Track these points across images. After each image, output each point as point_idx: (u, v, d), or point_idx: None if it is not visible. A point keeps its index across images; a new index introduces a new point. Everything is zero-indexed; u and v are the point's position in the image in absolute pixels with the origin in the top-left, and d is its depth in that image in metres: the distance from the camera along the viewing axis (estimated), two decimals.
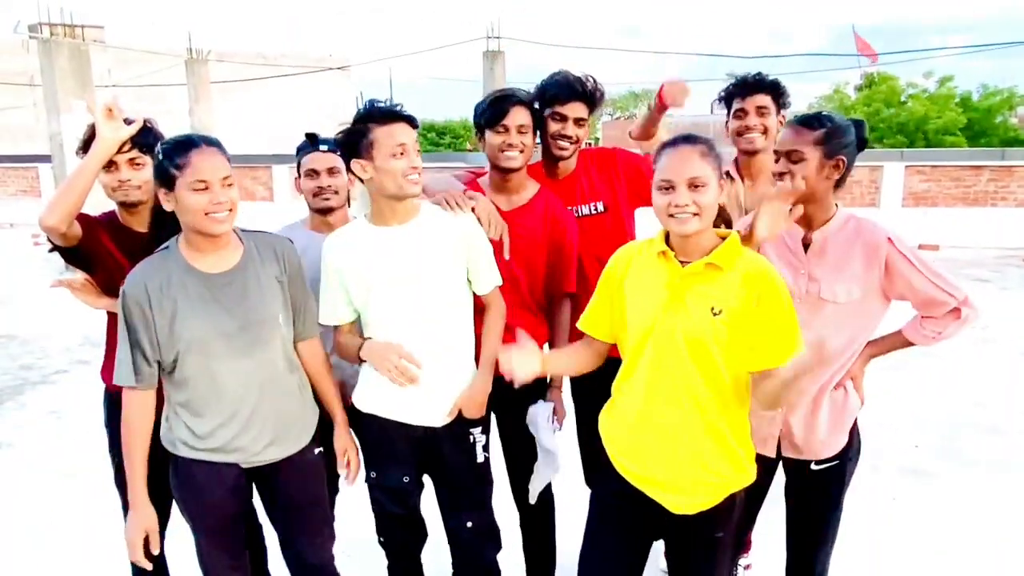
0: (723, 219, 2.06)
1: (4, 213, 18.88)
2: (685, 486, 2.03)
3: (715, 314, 1.92)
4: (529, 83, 2.87)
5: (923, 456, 4.46)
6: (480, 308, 2.51)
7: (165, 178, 2.05)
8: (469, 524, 2.53)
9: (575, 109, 2.67)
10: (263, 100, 29.88)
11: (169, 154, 2.04)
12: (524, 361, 2.12)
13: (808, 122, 2.21)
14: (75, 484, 4.25)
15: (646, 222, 2.88)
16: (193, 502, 2.25)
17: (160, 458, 2.26)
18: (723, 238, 2.00)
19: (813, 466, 2.36)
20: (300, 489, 2.37)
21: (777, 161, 2.25)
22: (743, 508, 2.12)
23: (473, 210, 2.47)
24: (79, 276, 2.54)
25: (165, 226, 2.21)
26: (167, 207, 2.10)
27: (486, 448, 2.52)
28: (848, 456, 2.38)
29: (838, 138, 2.20)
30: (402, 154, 2.23)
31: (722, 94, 3.01)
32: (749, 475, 2.07)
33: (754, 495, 2.45)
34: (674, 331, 1.95)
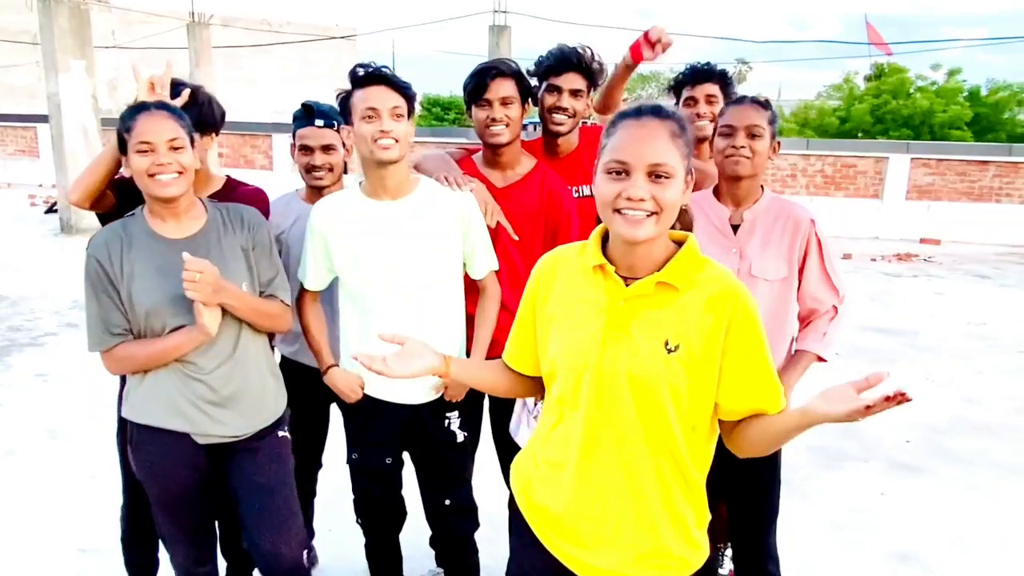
0: (684, 224, 1.68)
1: (3, 173, 18.78)
2: (629, 568, 1.59)
3: (670, 350, 1.49)
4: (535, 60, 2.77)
5: (914, 452, 4.43)
6: (474, 291, 2.46)
7: (120, 144, 2.05)
8: (447, 502, 2.51)
9: (570, 80, 2.58)
10: (266, 67, 29.64)
11: (123, 119, 2.04)
12: (411, 359, 1.74)
13: (761, 102, 2.29)
14: (58, 445, 4.24)
15: None
16: (147, 472, 2.20)
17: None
18: (679, 244, 1.58)
19: None
20: (257, 472, 2.24)
21: (729, 135, 2.26)
22: None
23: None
24: None
25: (132, 197, 2.16)
26: (125, 173, 2.07)
27: (463, 428, 2.48)
28: None
29: (777, 121, 2.31)
30: (371, 118, 2.17)
31: (671, 83, 3.08)
32: (703, 554, 1.65)
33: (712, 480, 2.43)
34: (616, 371, 1.52)
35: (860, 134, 23.69)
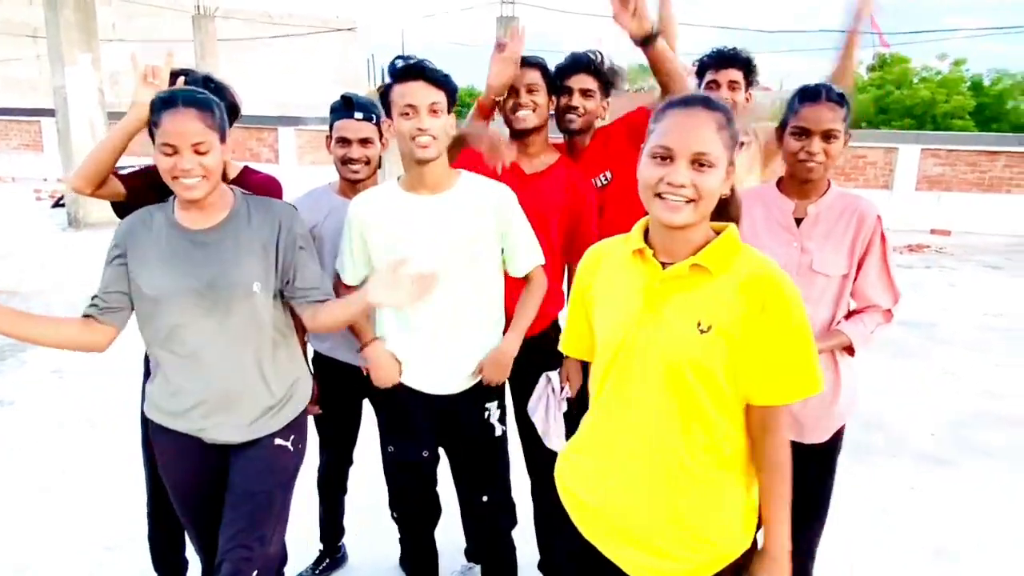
0: (731, 214, 1.66)
1: (6, 167, 18.71)
2: (657, 548, 1.60)
3: (702, 331, 1.51)
4: (543, 51, 2.85)
5: (940, 445, 4.40)
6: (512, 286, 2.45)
7: (151, 134, 1.97)
8: (484, 498, 2.49)
9: (580, 80, 2.65)
10: (269, 60, 29.53)
11: (153, 109, 1.95)
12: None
13: (838, 99, 2.15)
14: (75, 441, 4.21)
15: None
16: (163, 466, 2.22)
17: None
18: (719, 233, 1.60)
19: (806, 441, 2.26)
20: (243, 479, 2.13)
21: (803, 136, 2.15)
22: None
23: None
24: None
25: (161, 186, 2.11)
26: (155, 161, 1.99)
27: (502, 421, 2.47)
28: (840, 432, 2.35)
29: (851, 113, 2.19)
30: (409, 115, 2.16)
31: (696, 64, 3.05)
32: (744, 542, 1.63)
33: None
34: (648, 350, 1.56)
35: (864, 124, 23.65)
